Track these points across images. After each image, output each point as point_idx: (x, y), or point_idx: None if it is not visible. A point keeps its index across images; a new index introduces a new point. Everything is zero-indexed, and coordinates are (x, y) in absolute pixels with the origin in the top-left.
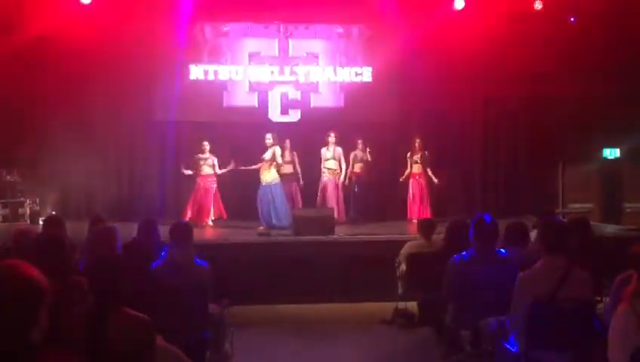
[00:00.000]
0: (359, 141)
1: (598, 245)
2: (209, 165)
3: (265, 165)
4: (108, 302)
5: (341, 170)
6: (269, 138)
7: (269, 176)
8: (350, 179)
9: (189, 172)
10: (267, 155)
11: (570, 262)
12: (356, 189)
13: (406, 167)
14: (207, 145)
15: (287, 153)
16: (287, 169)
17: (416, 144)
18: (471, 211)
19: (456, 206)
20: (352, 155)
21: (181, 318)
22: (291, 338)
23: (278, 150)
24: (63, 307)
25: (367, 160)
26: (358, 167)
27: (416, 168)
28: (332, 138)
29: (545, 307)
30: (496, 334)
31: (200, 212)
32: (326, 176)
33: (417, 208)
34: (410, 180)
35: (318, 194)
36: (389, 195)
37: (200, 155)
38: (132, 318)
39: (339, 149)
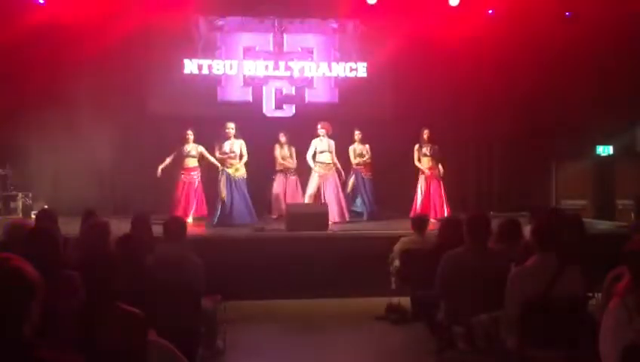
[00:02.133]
0: (357, 132)
1: (590, 242)
2: (193, 156)
3: (233, 159)
4: (100, 296)
5: (334, 165)
6: (232, 127)
7: (241, 170)
8: (352, 174)
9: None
10: (236, 148)
11: (562, 259)
12: (365, 186)
13: (406, 162)
14: (191, 134)
15: (285, 147)
16: (289, 163)
17: (425, 135)
18: (464, 208)
19: (450, 203)
20: (350, 149)
21: (174, 313)
22: (284, 333)
23: (244, 144)
24: (55, 302)
25: (367, 152)
26: (360, 161)
27: (425, 163)
28: (321, 130)
29: (537, 304)
30: (489, 331)
31: (184, 207)
32: (319, 171)
33: (434, 205)
34: (420, 176)
35: (314, 191)
36: (386, 192)
37: (185, 147)
38: (125, 313)
39: (332, 142)
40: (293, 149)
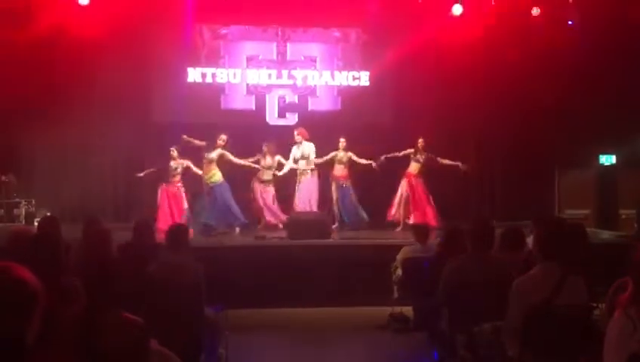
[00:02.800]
0: (342, 140)
1: (594, 251)
2: (178, 173)
3: (209, 165)
4: (102, 304)
5: (314, 168)
6: (223, 139)
7: (214, 177)
8: (332, 182)
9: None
10: (213, 155)
11: (566, 269)
12: (345, 195)
13: (402, 168)
14: (174, 150)
15: (268, 157)
16: (267, 175)
17: (419, 144)
18: (467, 217)
19: (452, 211)
20: (331, 154)
21: (176, 321)
22: (286, 342)
23: (224, 153)
24: (56, 309)
25: (350, 160)
26: (339, 170)
27: (414, 168)
28: (298, 137)
29: (541, 313)
30: (492, 340)
31: (178, 217)
32: (299, 178)
33: (406, 211)
34: (404, 180)
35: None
36: (384, 200)
37: (170, 164)
38: (126, 321)
39: (308, 146)
40: (277, 160)
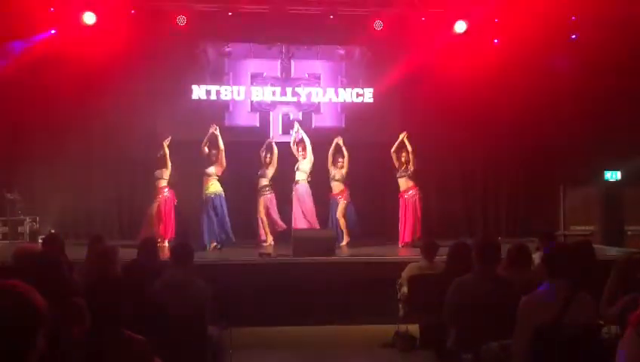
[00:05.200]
0: (340, 159)
1: (601, 268)
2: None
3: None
4: (106, 323)
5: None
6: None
7: (211, 188)
8: (329, 199)
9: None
10: (211, 169)
11: (573, 287)
12: (336, 211)
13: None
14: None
15: (270, 168)
16: (264, 181)
17: (402, 157)
18: (473, 233)
19: (457, 228)
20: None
21: (179, 340)
22: (290, 360)
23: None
24: (61, 328)
25: (343, 177)
26: (336, 187)
27: (402, 184)
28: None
29: (549, 332)
30: (499, 359)
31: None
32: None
33: (403, 231)
34: (399, 199)
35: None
36: (383, 217)
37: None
38: (129, 340)
39: (305, 162)
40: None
